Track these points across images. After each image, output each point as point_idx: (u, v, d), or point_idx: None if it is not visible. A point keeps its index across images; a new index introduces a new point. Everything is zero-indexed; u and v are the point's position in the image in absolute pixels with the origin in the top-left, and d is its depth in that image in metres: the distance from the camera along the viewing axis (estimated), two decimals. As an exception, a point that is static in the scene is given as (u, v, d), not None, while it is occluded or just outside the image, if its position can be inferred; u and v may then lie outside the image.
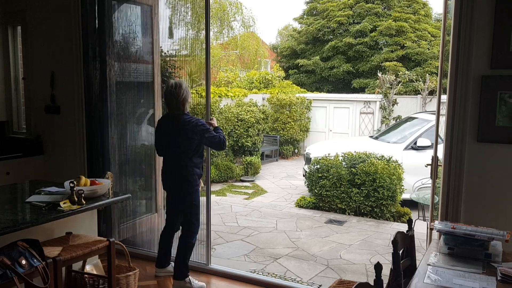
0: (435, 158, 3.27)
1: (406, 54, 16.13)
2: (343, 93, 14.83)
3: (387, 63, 15.64)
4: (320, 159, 7.05)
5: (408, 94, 13.53)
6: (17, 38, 5.01)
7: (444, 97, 3.03)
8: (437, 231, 2.44)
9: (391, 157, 6.85)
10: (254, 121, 9.98)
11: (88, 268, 3.47)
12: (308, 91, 15.40)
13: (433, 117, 5.95)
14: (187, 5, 4.93)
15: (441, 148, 3.08)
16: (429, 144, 6.99)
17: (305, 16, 19.56)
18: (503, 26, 2.73)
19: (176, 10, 4.99)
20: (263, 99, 12.92)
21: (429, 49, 16.01)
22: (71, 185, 2.92)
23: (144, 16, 4.74)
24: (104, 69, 4.37)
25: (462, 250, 2.30)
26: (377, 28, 16.78)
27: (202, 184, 3.86)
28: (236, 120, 9.70)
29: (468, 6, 2.81)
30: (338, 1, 18.26)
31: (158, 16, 4.78)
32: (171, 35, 5.17)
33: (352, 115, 12.38)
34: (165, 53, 5.46)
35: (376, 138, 8.52)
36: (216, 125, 3.88)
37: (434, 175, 3.29)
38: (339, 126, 12.59)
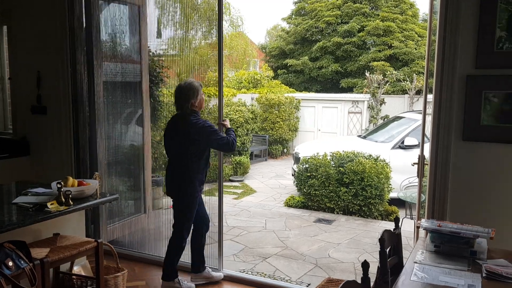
0: (421, 157, 3.31)
1: (394, 54, 16.26)
2: (331, 93, 14.90)
3: (375, 63, 15.74)
4: (308, 159, 7.08)
5: (396, 94, 13.64)
6: (3, 37, 4.96)
7: (430, 97, 3.06)
8: (423, 229, 2.47)
9: (379, 156, 6.90)
10: (243, 121, 9.98)
11: (76, 269, 3.44)
12: (296, 91, 15.44)
13: (420, 117, 6.00)
14: (176, 4, 4.92)
15: (427, 147, 3.12)
16: (416, 143, 7.06)
17: (293, 16, 19.60)
18: (488, 26, 2.78)
19: (164, 9, 4.98)
20: (252, 99, 12.92)
21: (416, 49, 16.15)
22: (58, 186, 2.89)
23: (131, 16, 4.72)
24: (91, 69, 4.34)
25: (448, 248, 2.33)
26: (365, 28, 16.88)
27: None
28: (224, 120, 9.68)
29: (453, 7, 2.84)
30: (326, 1, 18.33)
31: (146, 15, 4.76)
32: (159, 34, 5.15)
33: (341, 114, 12.45)
34: (153, 52, 5.45)
35: (364, 137, 8.58)
36: (229, 126, 3.75)
37: (420, 173, 3.33)
38: (328, 126, 12.65)
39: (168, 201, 7.11)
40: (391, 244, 2.47)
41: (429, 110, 3.14)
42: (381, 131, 8.56)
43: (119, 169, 4.83)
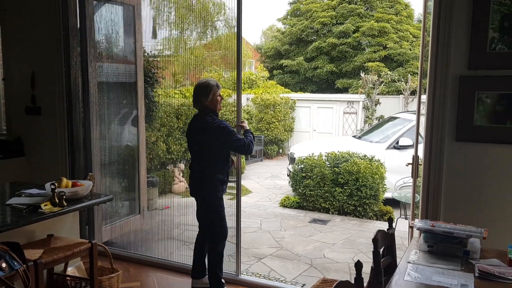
0: (415, 157, 3.32)
1: (389, 54, 16.30)
2: (326, 93, 14.93)
3: (370, 64, 15.78)
4: (304, 159, 7.09)
5: (391, 94, 13.69)
6: (-3, 38, 4.93)
7: (425, 97, 3.08)
8: (417, 229, 2.48)
9: (374, 157, 6.92)
10: (238, 122, 9.98)
11: (70, 271, 3.43)
12: (292, 91, 15.45)
13: (415, 117, 6.04)
14: (171, 5, 4.92)
15: (421, 148, 3.13)
16: (411, 143, 7.09)
17: (288, 17, 19.62)
18: (481, 27, 2.79)
19: (159, 10, 4.98)
20: (248, 99, 12.93)
21: (411, 50, 16.21)
22: (52, 187, 2.89)
23: (126, 16, 4.71)
24: (86, 70, 4.33)
25: (442, 248, 2.34)
26: (360, 29, 16.92)
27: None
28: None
29: (447, 8, 2.86)
30: (321, 2, 18.36)
31: (140, 16, 4.76)
32: (154, 35, 5.15)
33: (336, 115, 12.48)
34: (148, 53, 5.44)
35: (359, 137, 8.60)
36: (247, 127, 3.64)
37: (415, 174, 3.35)
38: (323, 126, 12.67)
39: (163, 201, 7.12)
40: (384, 244, 2.48)
41: (423, 110, 3.16)
42: (376, 131, 8.59)
43: (114, 170, 4.82)
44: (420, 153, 3.22)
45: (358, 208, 6.52)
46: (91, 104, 4.37)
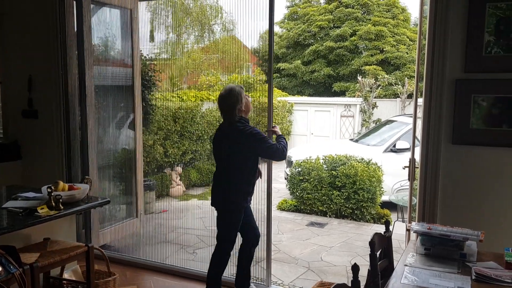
0: (412, 160, 3.33)
1: (386, 58, 16.35)
2: (324, 97, 14.96)
3: (367, 67, 15.82)
4: (301, 162, 7.09)
5: (388, 98, 13.71)
6: (-6, 41, 4.93)
7: (421, 101, 3.09)
8: (414, 232, 2.48)
9: (371, 160, 6.93)
10: (236, 125, 9.98)
11: (66, 274, 3.42)
12: (289, 94, 15.47)
13: (411, 120, 6.07)
14: (168, 8, 4.93)
15: (418, 151, 3.14)
16: (408, 146, 7.10)
17: (286, 21, 19.66)
18: (476, 31, 2.81)
19: (156, 13, 4.99)
20: (245, 102, 12.93)
21: (407, 53, 16.25)
22: (49, 190, 2.88)
23: (123, 20, 4.72)
24: (83, 73, 4.32)
25: (438, 251, 2.34)
26: (357, 33, 16.96)
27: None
28: (218, 124, 9.67)
29: (443, 12, 2.87)
30: (319, 5, 18.41)
31: (137, 19, 4.76)
32: (151, 38, 5.15)
33: (333, 118, 12.49)
34: (145, 56, 5.45)
35: (356, 141, 8.62)
36: (280, 132, 3.49)
37: (411, 177, 3.35)
38: (320, 129, 12.68)
39: (160, 205, 7.11)
40: (381, 247, 2.49)
41: (420, 113, 3.17)
42: (373, 134, 8.60)
43: (111, 173, 4.82)
44: (417, 156, 3.23)
45: (356, 211, 6.53)
46: (88, 107, 4.37)
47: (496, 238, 2.68)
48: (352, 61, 16.83)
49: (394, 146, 7.39)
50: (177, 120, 8.04)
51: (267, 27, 3.67)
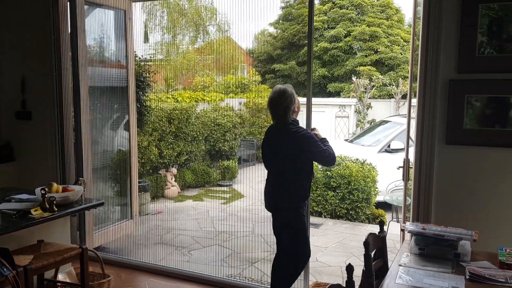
0: (406, 161, 3.34)
1: (380, 59, 16.40)
2: (318, 97, 14.97)
3: (361, 68, 15.87)
4: (296, 163, 7.09)
5: (382, 98, 13.76)
6: (-14, 42, 4.90)
7: (415, 101, 3.10)
8: (408, 232, 2.49)
9: (366, 160, 6.95)
10: (231, 126, 9.98)
11: (60, 276, 3.41)
12: (284, 95, 15.45)
13: (406, 120, 6.09)
14: (163, 9, 4.92)
15: (412, 151, 3.15)
16: (402, 146, 7.12)
17: (280, 21, 19.69)
18: (469, 32, 2.82)
19: (151, 14, 4.98)
20: (240, 103, 12.93)
21: (401, 54, 16.31)
22: (42, 192, 2.87)
23: (117, 21, 4.70)
24: (77, 74, 4.30)
25: (432, 250, 2.35)
26: (351, 33, 17.01)
27: None
28: (213, 124, 9.68)
29: (436, 13, 2.89)
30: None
31: (132, 20, 4.75)
32: (146, 39, 5.14)
33: (328, 118, 12.52)
34: (139, 57, 5.43)
35: (351, 141, 8.64)
36: (322, 136, 3.27)
37: (406, 177, 3.36)
38: (315, 130, 12.69)
39: (155, 206, 7.09)
40: (376, 247, 2.49)
41: (414, 114, 3.18)
42: (368, 135, 8.62)
43: (106, 175, 4.80)
44: (411, 156, 3.24)
45: (350, 212, 6.54)
46: (82, 108, 4.35)
47: (490, 237, 2.69)
48: (346, 62, 16.87)
49: (389, 146, 7.41)
50: (172, 121, 8.02)
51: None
